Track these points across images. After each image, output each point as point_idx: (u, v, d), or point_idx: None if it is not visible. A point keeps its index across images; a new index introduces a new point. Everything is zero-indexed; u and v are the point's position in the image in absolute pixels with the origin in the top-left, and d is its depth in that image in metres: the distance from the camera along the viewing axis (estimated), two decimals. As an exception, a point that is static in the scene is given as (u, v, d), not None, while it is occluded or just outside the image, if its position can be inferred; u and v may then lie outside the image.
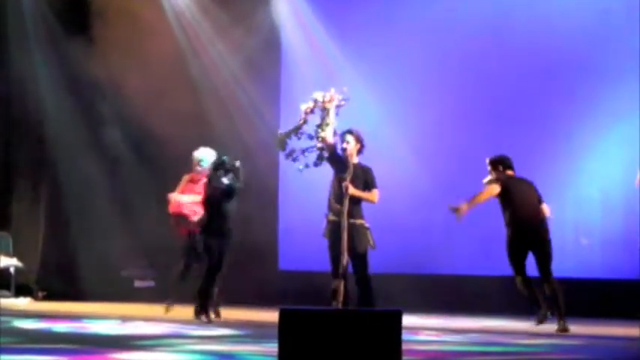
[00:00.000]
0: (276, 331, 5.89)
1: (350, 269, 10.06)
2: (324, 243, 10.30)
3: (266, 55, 14.29)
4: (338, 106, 10.16)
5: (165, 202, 11.43)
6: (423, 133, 12.50)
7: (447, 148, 12.98)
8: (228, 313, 11.40)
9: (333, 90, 10.19)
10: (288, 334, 5.85)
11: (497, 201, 10.68)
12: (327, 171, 10.28)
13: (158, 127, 13.26)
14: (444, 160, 13.16)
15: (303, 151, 10.19)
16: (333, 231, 10.00)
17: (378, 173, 10.34)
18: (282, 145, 10.23)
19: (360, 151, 10.28)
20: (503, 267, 12.89)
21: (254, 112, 13.97)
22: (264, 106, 14.00)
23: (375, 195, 10.18)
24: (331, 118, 10.13)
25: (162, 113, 13.49)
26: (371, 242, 10.11)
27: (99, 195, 14.01)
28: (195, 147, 11.36)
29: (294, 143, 10.24)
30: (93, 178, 14.08)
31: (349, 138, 10.22)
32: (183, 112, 13.59)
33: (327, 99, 10.14)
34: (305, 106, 10.23)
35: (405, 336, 5.94)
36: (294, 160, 10.21)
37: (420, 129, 12.88)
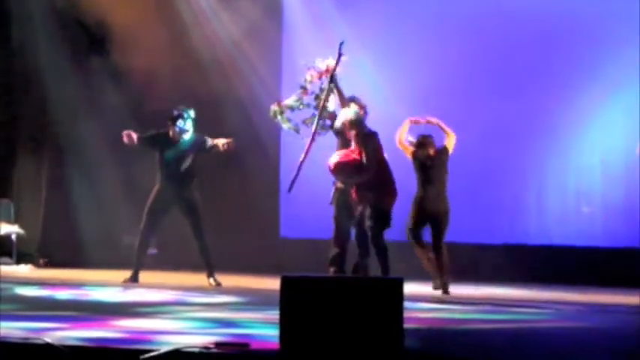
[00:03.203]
0: (277, 299, 5.87)
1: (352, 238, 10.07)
2: (327, 210, 10.30)
3: (267, 21, 14.15)
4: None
5: None
6: (425, 101, 12.41)
7: (448, 115, 12.79)
8: (228, 280, 11.39)
9: (331, 58, 10.17)
10: (289, 301, 5.84)
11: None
12: (331, 137, 10.31)
13: (160, 96, 13.19)
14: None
15: (304, 121, 10.20)
16: (342, 199, 10.02)
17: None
18: (282, 116, 10.28)
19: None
20: (506, 235, 12.95)
21: (255, 79, 13.85)
22: (266, 73, 13.89)
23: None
24: (333, 87, 10.09)
25: (164, 82, 13.42)
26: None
27: (102, 161, 13.94)
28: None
29: (293, 114, 10.30)
30: (95, 145, 14.00)
31: (352, 106, 10.11)
32: (184, 80, 13.50)
33: (330, 66, 10.12)
34: (307, 75, 10.24)
35: (406, 304, 5.92)
36: (296, 131, 10.28)
37: (421, 96, 12.79)
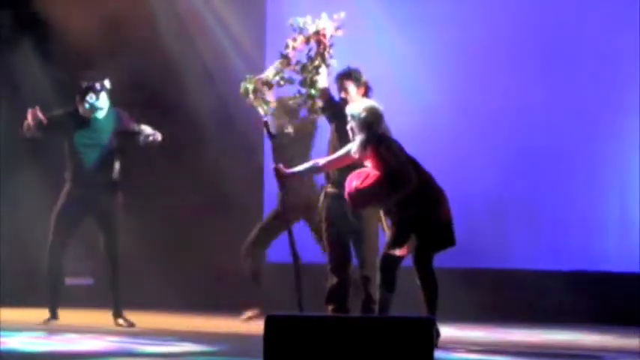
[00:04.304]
0: (260, 346, 5.96)
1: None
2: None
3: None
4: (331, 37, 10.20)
5: None
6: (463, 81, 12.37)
7: (498, 94, 13.02)
8: (193, 320, 11.52)
9: (325, 16, 10.15)
10: (276, 349, 5.96)
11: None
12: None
13: (98, 64, 13.00)
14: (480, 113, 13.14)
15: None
16: (335, 207, 9.90)
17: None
18: (255, 95, 10.18)
19: (365, 96, 10.17)
20: (577, 259, 12.99)
21: (231, 47, 13.79)
22: (245, 39, 13.82)
23: None
24: (326, 55, 10.13)
25: (104, 44, 13.41)
26: (383, 223, 10.03)
27: (17, 172, 13.93)
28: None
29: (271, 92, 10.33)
30: (7, 137, 13.95)
31: (348, 84, 10.18)
32: (133, 44, 13.50)
33: (320, 28, 10.11)
34: (289, 41, 10.22)
35: (436, 353, 5.97)
36: (274, 116, 10.49)
37: (432, 66, 12.94)
